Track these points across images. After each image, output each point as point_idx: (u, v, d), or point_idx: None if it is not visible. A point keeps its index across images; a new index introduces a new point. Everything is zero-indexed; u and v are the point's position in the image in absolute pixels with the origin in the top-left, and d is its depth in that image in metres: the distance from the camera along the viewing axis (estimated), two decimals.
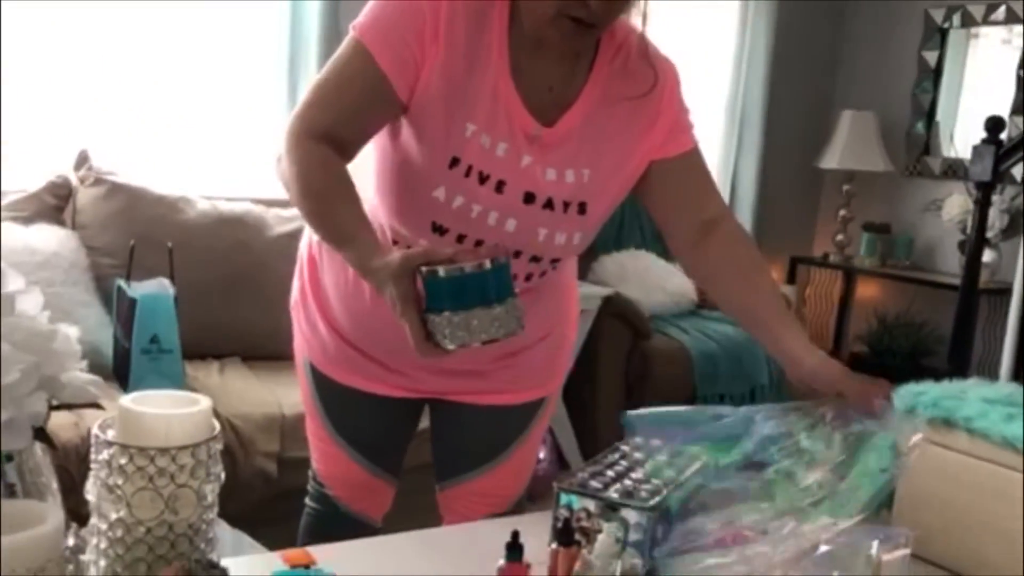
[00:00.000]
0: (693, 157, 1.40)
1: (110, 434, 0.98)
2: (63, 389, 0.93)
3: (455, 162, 1.24)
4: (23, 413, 0.86)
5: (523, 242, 1.30)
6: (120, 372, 2.32)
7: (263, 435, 2.29)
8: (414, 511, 1.60)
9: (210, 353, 2.64)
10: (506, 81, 1.24)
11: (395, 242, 1.32)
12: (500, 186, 1.25)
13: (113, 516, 0.95)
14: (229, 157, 3.18)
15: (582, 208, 1.30)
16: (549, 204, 1.28)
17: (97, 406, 0.96)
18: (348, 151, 1.23)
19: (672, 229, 1.41)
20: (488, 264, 1.06)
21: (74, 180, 2.69)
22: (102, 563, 0.93)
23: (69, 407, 0.95)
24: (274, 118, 3.14)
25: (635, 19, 1.31)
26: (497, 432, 1.52)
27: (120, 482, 0.94)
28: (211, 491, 0.99)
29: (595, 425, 3.32)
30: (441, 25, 1.20)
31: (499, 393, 1.48)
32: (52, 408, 0.92)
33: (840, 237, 4.62)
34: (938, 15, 4.47)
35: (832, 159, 4.52)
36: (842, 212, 4.61)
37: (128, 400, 0.99)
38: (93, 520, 0.97)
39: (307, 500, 1.60)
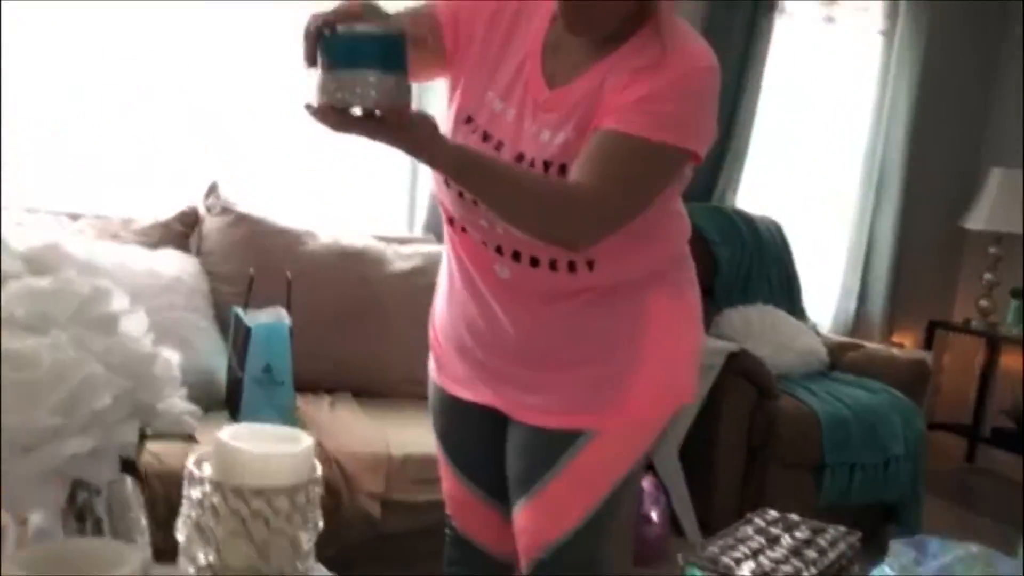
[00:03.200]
0: (613, 138, 1.27)
1: (205, 469, 0.92)
2: (158, 418, 0.87)
3: (468, 120, 1.39)
4: (112, 442, 0.80)
5: None
6: (232, 400, 2.30)
7: (368, 475, 2.22)
8: None
9: (322, 386, 2.61)
10: (534, 60, 1.37)
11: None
12: (499, 146, 1.36)
13: (202, 560, 0.88)
14: (353, 194, 3.19)
15: (562, 170, 1.31)
16: (532, 164, 1.34)
17: (192, 439, 0.89)
18: None
19: None
20: (379, 31, 1.13)
21: (202, 209, 2.73)
22: None
23: (163, 437, 0.89)
24: (398, 159, 3.13)
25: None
26: (529, 458, 1.46)
27: (212, 524, 0.87)
28: (307, 540, 0.91)
29: (714, 488, 3.14)
30: (488, 12, 1.38)
31: (537, 412, 1.44)
32: (145, 438, 0.86)
33: (984, 302, 4.32)
34: None
35: (978, 219, 4.24)
36: (987, 276, 4.31)
37: (226, 434, 0.93)
38: (181, 562, 0.90)
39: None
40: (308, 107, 1.17)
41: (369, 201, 3.24)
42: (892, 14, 4.11)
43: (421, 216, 3.24)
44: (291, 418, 2.27)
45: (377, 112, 1.14)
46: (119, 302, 0.96)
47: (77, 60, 2.76)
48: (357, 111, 1.15)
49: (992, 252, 4.28)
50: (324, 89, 1.15)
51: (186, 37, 2.87)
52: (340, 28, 1.14)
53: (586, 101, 1.32)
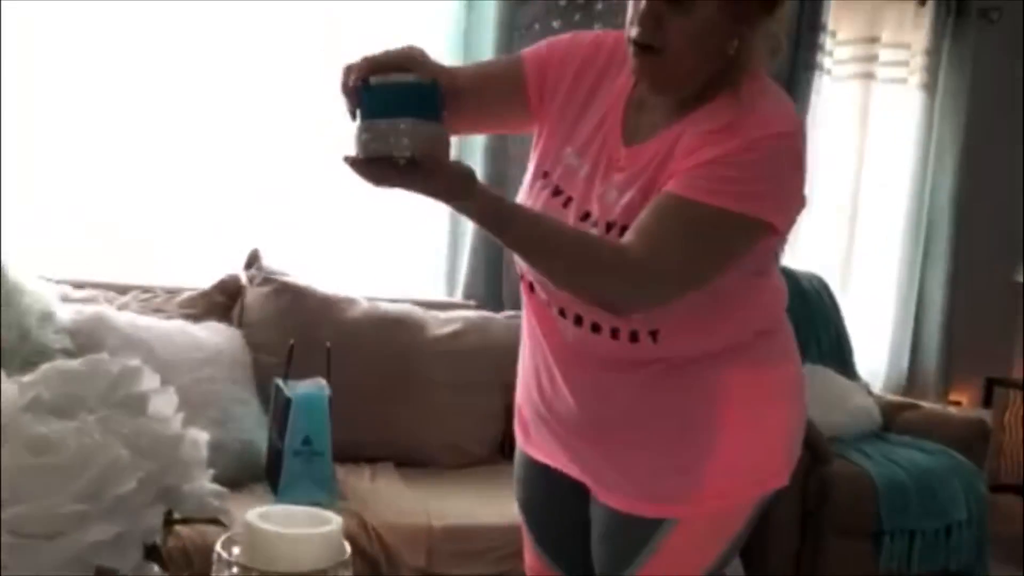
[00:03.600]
0: (671, 201, 1.21)
1: (234, 552, 0.89)
2: (184, 502, 0.85)
3: (545, 174, 1.37)
4: (137, 528, 0.78)
5: None
6: (272, 473, 2.29)
7: (409, 548, 2.18)
8: None
9: (362, 456, 2.58)
10: (615, 117, 1.33)
11: None
12: (568, 203, 1.33)
13: None
14: (394, 257, 3.20)
15: (624, 232, 1.26)
16: (596, 224, 1.30)
17: (218, 522, 0.87)
18: (459, 96, 1.29)
19: None
20: (411, 80, 1.16)
21: (243, 279, 2.75)
22: None
23: (187, 521, 0.87)
24: (439, 221, 3.15)
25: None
26: (611, 545, 1.38)
27: None
28: None
29: (767, 558, 3.03)
30: (575, 67, 1.36)
31: (614, 493, 1.36)
32: (170, 523, 0.84)
33: None
34: None
35: None
36: None
37: (254, 515, 0.90)
38: None
39: None
40: (346, 158, 1.19)
41: (410, 265, 3.25)
42: (932, 68, 4.07)
43: (461, 280, 3.23)
44: (331, 489, 2.25)
45: (410, 157, 1.14)
46: (149, 381, 0.95)
47: (120, 131, 2.82)
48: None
49: None
50: (359, 140, 1.18)
51: (228, 106, 2.93)
52: (373, 80, 1.17)
53: (656, 162, 1.27)
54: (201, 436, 0.93)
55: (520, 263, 1.37)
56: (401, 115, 1.15)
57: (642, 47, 1.24)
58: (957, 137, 4.10)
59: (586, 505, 1.42)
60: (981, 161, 4.23)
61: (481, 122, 1.52)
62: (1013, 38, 4.32)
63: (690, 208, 1.20)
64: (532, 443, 1.49)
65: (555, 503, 1.48)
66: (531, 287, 1.39)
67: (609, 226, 1.28)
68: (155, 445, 0.84)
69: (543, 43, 1.41)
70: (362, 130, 1.17)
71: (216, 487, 0.88)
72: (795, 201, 1.26)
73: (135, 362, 0.94)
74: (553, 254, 1.24)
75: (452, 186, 1.20)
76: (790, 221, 1.26)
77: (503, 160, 3.13)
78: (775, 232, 1.24)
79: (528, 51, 1.41)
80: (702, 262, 1.23)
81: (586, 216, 1.31)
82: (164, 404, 0.94)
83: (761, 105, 1.24)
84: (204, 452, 0.90)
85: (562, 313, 1.34)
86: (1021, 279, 4.20)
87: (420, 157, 1.14)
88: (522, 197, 1.39)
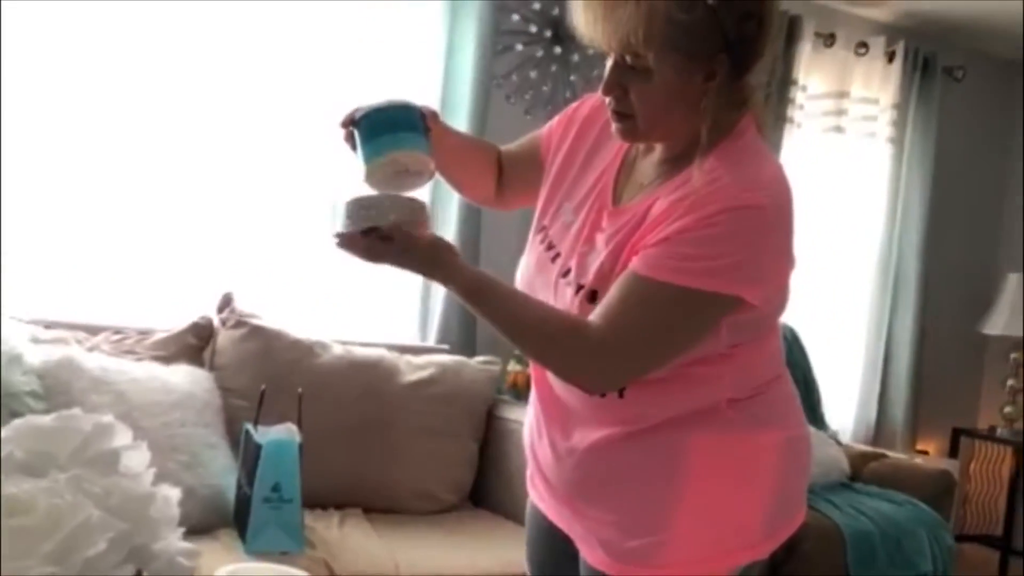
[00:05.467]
0: (635, 280, 1.20)
1: None
2: (154, 561, 0.85)
3: (543, 228, 1.41)
4: None
5: None
6: (240, 520, 2.26)
7: None
8: None
9: (332, 502, 2.57)
10: (609, 176, 1.36)
11: None
12: (556, 257, 1.36)
13: None
14: (367, 299, 3.20)
15: (592, 296, 1.27)
16: (571, 283, 1.31)
17: None
18: (503, 172, 1.51)
19: None
20: (392, 100, 1.28)
21: (216, 321, 2.74)
22: None
23: None
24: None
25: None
26: None
27: None
28: None
29: None
30: (578, 126, 1.42)
31: (590, 550, 1.34)
32: None
33: (1008, 409, 4.25)
34: None
35: (997, 324, 4.21)
36: (1010, 382, 4.25)
37: (224, 574, 0.90)
38: None
39: None
40: (336, 237, 1.25)
41: (383, 309, 3.24)
42: (900, 123, 4.17)
43: (435, 324, 3.24)
44: (299, 537, 2.23)
45: (392, 221, 1.21)
46: (121, 437, 0.95)
47: (95, 168, 2.81)
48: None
49: (1013, 357, 4.23)
50: (342, 214, 1.24)
51: (205, 148, 2.93)
52: (359, 113, 1.28)
53: (629, 226, 1.26)
54: (172, 493, 0.93)
55: None
56: (392, 132, 1.25)
57: (619, 114, 1.27)
58: (924, 191, 4.19)
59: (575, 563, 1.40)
60: (947, 215, 4.32)
61: (525, 193, 1.52)
62: (977, 96, 4.45)
63: (652, 287, 1.18)
64: (535, 489, 1.48)
65: (561, 566, 1.45)
66: None
67: (580, 287, 1.29)
68: (126, 504, 0.85)
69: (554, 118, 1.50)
70: (347, 206, 1.24)
71: (187, 545, 0.88)
72: (769, 271, 1.22)
73: (107, 418, 0.94)
74: (523, 332, 1.27)
75: (426, 258, 1.25)
76: (764, 292, 1.22)
77: (476, 227, 3.17)
78: (746, 305, 1.20)
79: (545, 125, 1.50)
80: (665, 341, 1.21)
81: (567, 273, 1.33)
82: (136, 460, 0.94)
83: (734, 173, 1.20)
84: (175, 510, 0.90)
85: None
86: (986, 331, 4.27)
87: (392, 231, 1.21)
88: (530, 240, 1.45)
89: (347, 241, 1.25)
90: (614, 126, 1.29)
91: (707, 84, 1.22)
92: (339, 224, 1.24)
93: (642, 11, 1.16)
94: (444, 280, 1.28)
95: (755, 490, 1.30)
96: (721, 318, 1.22)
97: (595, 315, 1.22)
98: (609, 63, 1.25)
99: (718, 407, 1.28)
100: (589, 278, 1.29)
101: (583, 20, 1.23)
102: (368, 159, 1.26)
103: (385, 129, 1.25)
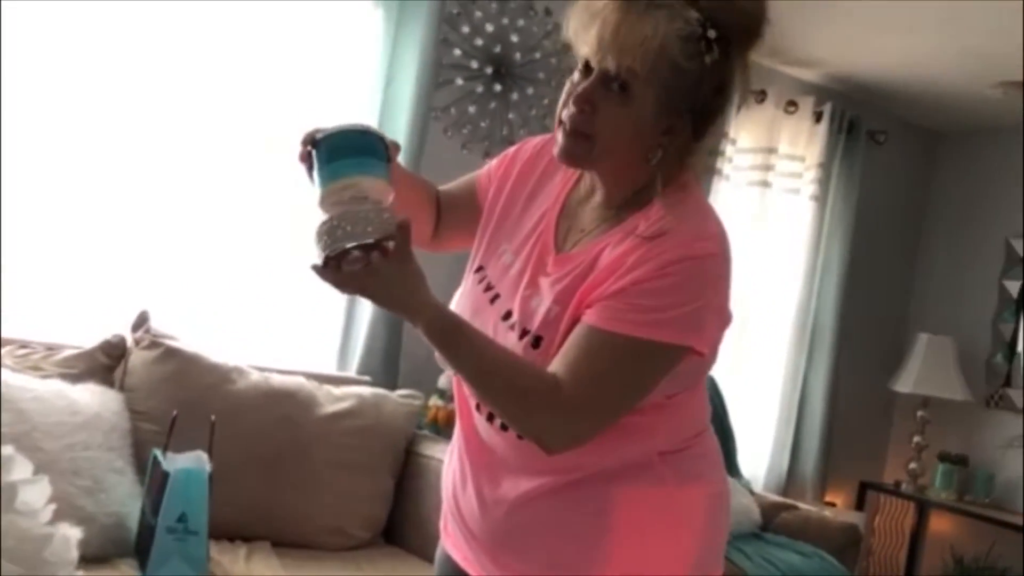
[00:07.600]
0: (595, 336, 1.18)
1: None
2: None
3: (480, 268, 1.39)
4: None
5: None
6: (142, 549, 2.17)
7: None
8: None
9: (240, 534, 2.48)
10: (551, 219, 1.34)
11: None
12: (495, 299, 1.33)
13: None
14: (288, 328, 3.14)
15: (536, 342, 1.25)
16: (513, 326, 1.28)
17: None
18: (442, 211, 1.48)
19: None
20: (353, 124, 1.22)
21: (130, 340, 2.65)
22: None
23: None
24: (335, 292, 3.10)
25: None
26: None
27: None
28: None
29: None
30: (519, 168, 1.41)
31: None
32: None
33: (913, 465, 4.37)
34: (1019, 245, 4.37)
35: (907, 382, 4.33)
36: (916, 439, 4.37)
37: None
38: None
39: None
40: (314, 267, 1.19)
41: (304, 336, 3.18)
42: (824, 181, 4.29)
43: (357, 354, 3.18)
44: (203, 569, 2.15)
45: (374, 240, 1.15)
46: (20, 470, 0.90)
47: (7, 174, 2.71)
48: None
49: (920, 415, 4.36)
50: (320, 236, 1.17)
51: (129, 160, 2.85)
52: (319, 134, 1.21)
53: (576, 273, 1.25)
54: (72, 533, 0.88)
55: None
56: (355, 156, 1.19)
57: (573, 131, 1.24)
58: (843, 248, 4.32)
59: None
60: (864, 273, 4.46)
61: (460, 235, 1.48)
62: (897, 160, 4.62)
63: (615, 341, 1.17)
64: (449, 536, 1.44)
65: None
66: None
67: (524, 332, 1.26)
68: (20, 545, 0.79)
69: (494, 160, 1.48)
70: (319, 228, 1.17)
71: None
72: (714, 320, 1.23)
73: (8, 450, 0.89)
74: (491, 380, 1.20)
75: (399, 294, 1.19)
76: (711, 340, 1.23)
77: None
78: (695, 353, 1.21)
79: (484, 167, 1.48)
80: (630, 395, 1.20)
81: (508, 315, 1.30)
82: (34, 495, 0.89)
83: (683, 223, 1.21)
84: (74, 553, 0.85)
85: (478, 407, 1.33)
86: (896, 388, 4.40)
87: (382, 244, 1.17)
88: (466, 279, 1.40)
89: (331, 269, 1.17)
90: (562, 144, 1.25)
91: (663, 137, 1.23)
92: (319, 251, 1.17)
93: (659, 35, 1.16)
94: (418, 310, 1.19)
95: (681, 546, 1.30)
96: (671, 368, 1.21)
97: (561, 371, 1.18)
98: (589, 79, 1.21)
99: (650, 460, 1.27)
100: (535, 324, 1.26)
101: (592, 26, 1.19)
102: (325, 182, 1.19)
103: (348, 153, 1.19)
